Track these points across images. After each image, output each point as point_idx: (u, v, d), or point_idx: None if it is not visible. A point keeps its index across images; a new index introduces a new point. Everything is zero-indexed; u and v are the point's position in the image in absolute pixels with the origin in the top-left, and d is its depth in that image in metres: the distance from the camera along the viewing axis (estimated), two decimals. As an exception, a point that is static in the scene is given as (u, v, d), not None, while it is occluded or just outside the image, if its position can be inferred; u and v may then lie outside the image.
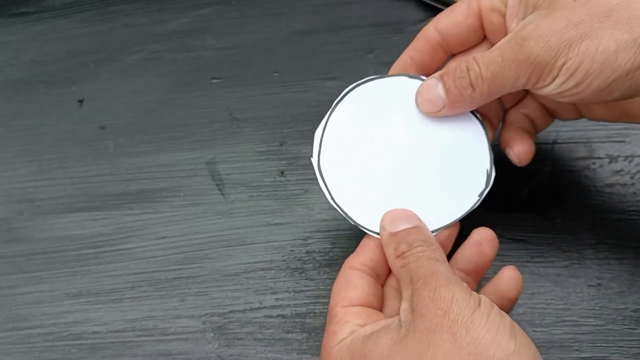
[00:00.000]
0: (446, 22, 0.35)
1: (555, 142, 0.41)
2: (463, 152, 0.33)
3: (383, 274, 0.33)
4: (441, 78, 0.32)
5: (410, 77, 0.34)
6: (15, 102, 0.47)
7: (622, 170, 0.39)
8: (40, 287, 0.40)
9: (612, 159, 0.40)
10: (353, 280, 0.31)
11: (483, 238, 0.33)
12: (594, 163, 0.40)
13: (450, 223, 0.33)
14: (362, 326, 0.30)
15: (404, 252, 0.30)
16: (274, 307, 0.38)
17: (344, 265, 0.32)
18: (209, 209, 0.41)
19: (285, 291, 0.38)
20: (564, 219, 0.39)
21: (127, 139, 0.44)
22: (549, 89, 0.30)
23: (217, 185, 0.42)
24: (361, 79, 0.34)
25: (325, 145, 0.33)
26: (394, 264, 0.31)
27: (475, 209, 0.33)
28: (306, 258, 0.39)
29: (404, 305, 0.29)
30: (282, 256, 0.39)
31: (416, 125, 0.33)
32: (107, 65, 0.47)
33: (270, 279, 0.39)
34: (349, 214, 0.33)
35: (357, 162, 0.33)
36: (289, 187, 0.41)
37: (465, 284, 0.28)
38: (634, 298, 0.36)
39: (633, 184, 0.39)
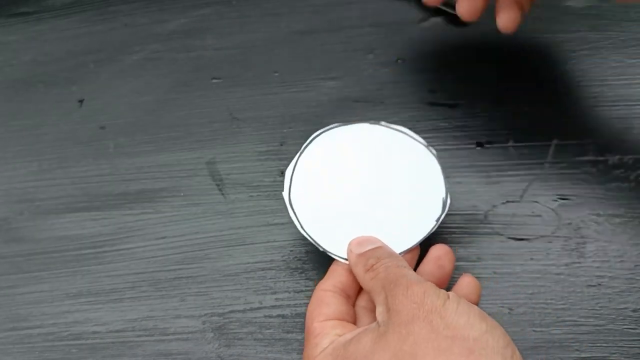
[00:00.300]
0: None
1: (555, 143, 0.41)
2: (421, 184, 0.37)
3: (353, 295, 0.34)
4: None
5: (371, 123, 0.38)
6: (15, 102, 0.47)
7: (622, 170, 0.39)
8: (40, 287, 0.40)
9: (612, 159, 0.40)
10: (326, 300, 0.33)
11: (440, 253, 0.35)
12: (594, 162, 0.40)
13: (412, 247, 0.35)
14: (340, 335, 0.31)
15: (373, 265, 0.32)
16: (274, 307, 0.38)
17: (316, 289, 0.34)
18: (209, 209, 0.41)
19: (285, 291, 0.38)
20: (563, 218, 0.39)
21: (127, 139, 0.44)
22: None
23: (217, 185, 0.42)
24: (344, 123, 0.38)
25: (295, 181, 0.37)
26: (364, 278, 0.33)
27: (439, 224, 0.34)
28: (306, 258, 0.39)
29: (379, 309, 0.31)
30: (282, 256, 0.39)
31: (378, 162, 0.37)
32: (107, 65, 0.47)
33: (270, 279, 0.39)
34: (318, 242, 0.35)
35: (324, 196, 0.37)
36: (289, 187, 0.41)
37: (433, 284, 0.30)
38: (634, 298, 0.36)
39: (633, 184, 0.39)
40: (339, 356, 0.30)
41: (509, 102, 0.42)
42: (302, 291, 0.38)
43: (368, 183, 0.37)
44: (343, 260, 0.35)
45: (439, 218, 0.36)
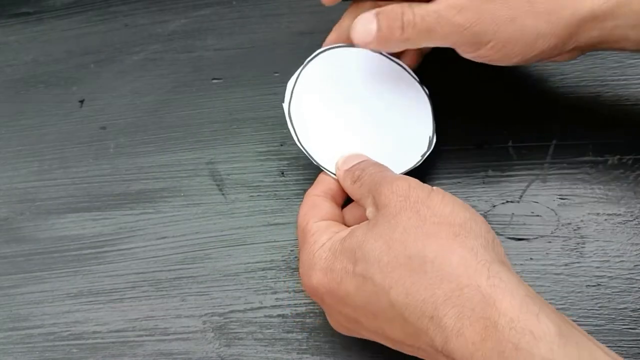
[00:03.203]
0: None
1: (554, 143, 0.41)
2: (411, 119, 0.38)
3: (340, 202, 0.36)
4: (376, 15, 0.35)
5: (373, 50, 0.39)
6: (16, 102, 0.47)
7: (622, 170, 0.39)
8: (41, 287, 0.40)
9: (612, 159, 0.40)
10: (318, 203, 0.35)
11: None
12: (594, 163, 0.40)
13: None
14: (337, 233, 0.33)
15: (359, 176, 0.34)
16: (274, 307, 0.38)
17: (306, 195, 0.36)
18: (209, 209, 0.41)
19: (286, 291, 0.39)
20: (563, 218, 0.39)
21: (128, 139, 0.44)
22: (470, 55, 0.34)
23: (218, 185, 0.42)
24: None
25: (296, 94, 0.38)
26: (353, 189, 0.34)
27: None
28: (306, 258, 0.39)
29: (369, 210, 0.32)
30: (283, 256, 0.39)
31: (374, 89, 0.38)
32: (108, 66, 0.47)
33: (271, 279, 0.39)
34: (312, 154, 0.37)
35: (322, 112, 0.38)
36: (290, 187, 0.41)
37: (417, 179, 0.32)
38: (633, 298, 0.36)
39: (633, 184, 0.39)
40: (337, 250, 0.31)
41: (508, 102, 0.42)
42: (302, 291, 0.38)
43: (363, 107, 0.38)
44: (332, 175, 0.37)
45: (424, 154, 0.38)
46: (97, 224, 0.42)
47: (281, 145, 0.43)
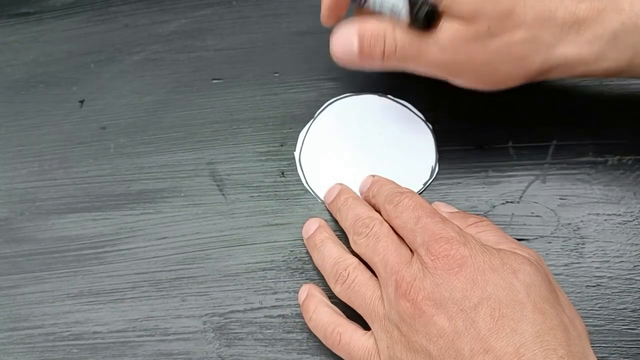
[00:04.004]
0: None
1: (554, 143, 0.41)
2: (414, 152, 0.41)
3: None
4: (358, 34, 0.34)
5: (379, 95, 0.43)
6: (16, 102, 0.47)
7: (622, 170, 0.40)
8: (41, 287, 0.40)
9: (612, 159, 0.40)
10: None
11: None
12: (594, 163, 0.40)
13: None
14: None
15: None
16: (274, 307, 0.38)
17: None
18: (209, 210, 0.41)
19: (286, 291, 0.39)
20: (563, 219, 0.39)
21: (128, 140, 0.44)
22: (441, 78, 0.35)
23: (218, 185, 0.42)
24: (345, 93, 0.43)
25: (306, 143, 0.42)
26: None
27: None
28: (307, 258, 0.39)
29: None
30: (283, 256, 0.39)
31: (381, 132, 0.42)
32: (108, 66, 0.47)
33: (271, 279, 0.39)
34: (319, 195, 0.41)
35: (329, 157, 0.42)
36: (290, 188, 0.41)
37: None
38: (633, 298, 0.36)
39: (633, 184, 0.39)
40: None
41: (508, 102, 0.42)
42: (302, 291, 0.38)
43: (369, 147, 0.41)
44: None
45: (426, 183, 0.40)
46: (98, 224, 0.42)
47: (281, 145, 0.43)
